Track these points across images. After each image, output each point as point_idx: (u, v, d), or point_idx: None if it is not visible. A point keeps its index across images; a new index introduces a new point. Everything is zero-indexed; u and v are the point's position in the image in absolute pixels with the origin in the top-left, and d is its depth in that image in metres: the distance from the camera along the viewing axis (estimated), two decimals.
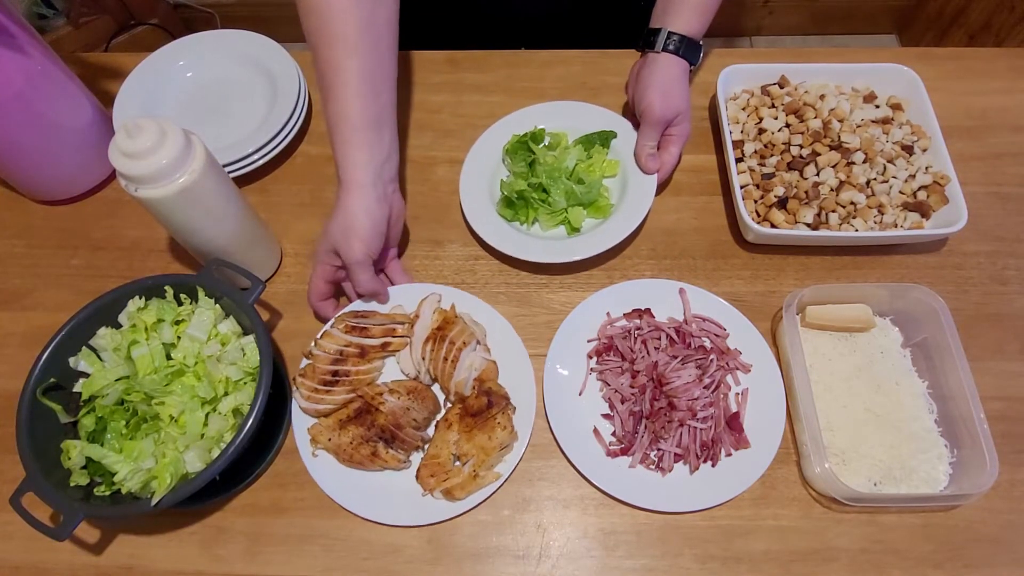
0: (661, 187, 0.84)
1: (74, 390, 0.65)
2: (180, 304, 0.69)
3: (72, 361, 0.65)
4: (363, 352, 0.70)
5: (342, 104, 0.66)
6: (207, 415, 0.63)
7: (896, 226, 0.76)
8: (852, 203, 0.76)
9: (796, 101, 0.83)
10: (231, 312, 0.68)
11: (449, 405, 0.70)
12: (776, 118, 0.83)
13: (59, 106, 0.78)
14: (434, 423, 0.70)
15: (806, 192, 0.77)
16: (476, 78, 0.94)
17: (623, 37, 1.04)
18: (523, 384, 0.70)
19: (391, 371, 0.73)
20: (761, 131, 0.83)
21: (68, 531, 0.57)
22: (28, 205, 0.86)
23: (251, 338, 0.66)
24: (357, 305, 0.74)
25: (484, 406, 0.66)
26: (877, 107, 0.84)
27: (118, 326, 0.68)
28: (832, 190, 0.77)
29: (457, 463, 0.66)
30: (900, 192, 0.78)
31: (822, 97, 0.84)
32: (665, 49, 0.77)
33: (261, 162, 0.84)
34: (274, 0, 2.15)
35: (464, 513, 0.65)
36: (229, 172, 0.81)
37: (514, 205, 0.79)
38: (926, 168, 0.79)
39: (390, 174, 0.71)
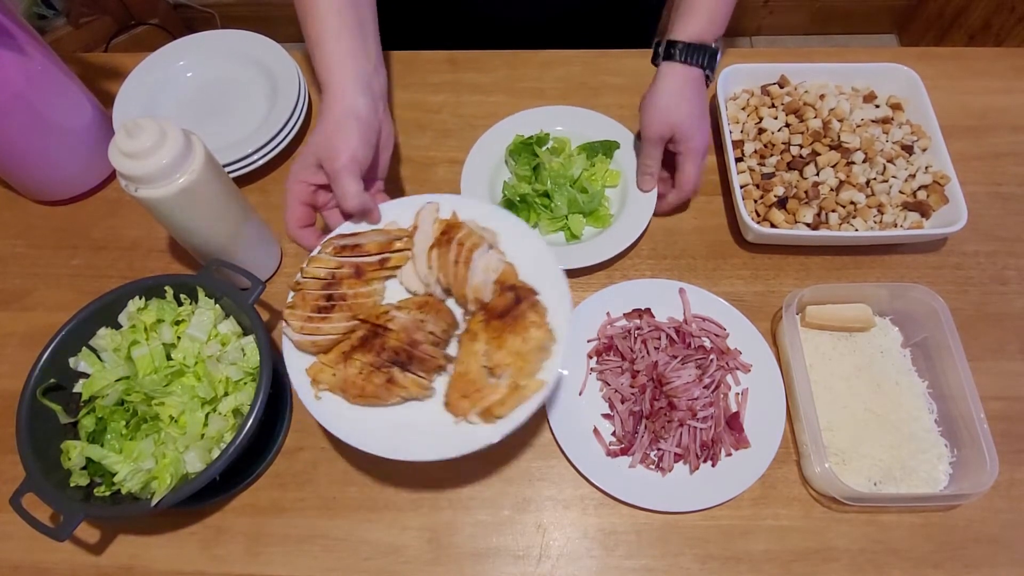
0: (679, 209, 0.82)
1: (74, 390, 0.65)
2: (180, 304, 0.69)
3: (72, 361, 0.65)
4: (359, 272, 0.62)
5: (322, 16, 0.63)
6: (207, 415, 0.63)
7: (896, 226, 0.76)
8: (852, 203, 0.76)
9: (796, 101, 0.83)
10: (231, 312, 0.68)
11: (470, 317, 0.61)
12: (776, 118, 0.83)
13: (59, 106, 0.78)
14: (455, 339, 0.61)
15: (806, 192, 0.77)
16: (476, 78, 0.94)
17: (623, 37, 1.04)
18: (549, 283, 0.60)
19: (393, 295, 0.65)
20: (761, 131, 0.83)
21: (68, 531, 0.57)
22: (28, 205, 0.86)
23: (251, 338, 0.66)
24: (345, 228, 0.65)
25: (511, 303, 0.57)
26: (877, 107, 0.84)
27: (118, 326, 0.68)
28: (832, 190, 0.77)
29: (491, 379, 0.57)
30: (900, 192, 0.78)
31: (822, 97, 0.84)
32: (667, 58, 0.73)
33: (261, 162, 0.84)
34: (274, 0, 2.16)
35: (509, 435, 0.55)
36: (229, 172, 0.81)
37: (516, 207, 0.79)
38: (926, 168, 0.79)
39: (379, 89, 0.65)
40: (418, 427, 0.57)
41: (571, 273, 0.79)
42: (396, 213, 0.65)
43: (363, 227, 0.65)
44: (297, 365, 0.60)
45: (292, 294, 0.62)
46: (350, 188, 0.60)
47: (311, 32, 0.63)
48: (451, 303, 0.63)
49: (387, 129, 0.66)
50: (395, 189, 0.86)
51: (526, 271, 0.61)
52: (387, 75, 0.67)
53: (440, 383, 0.59)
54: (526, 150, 0.83)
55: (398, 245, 0.63)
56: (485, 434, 0.55)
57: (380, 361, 0.57)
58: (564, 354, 0.57)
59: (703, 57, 0.72)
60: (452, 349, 0.61)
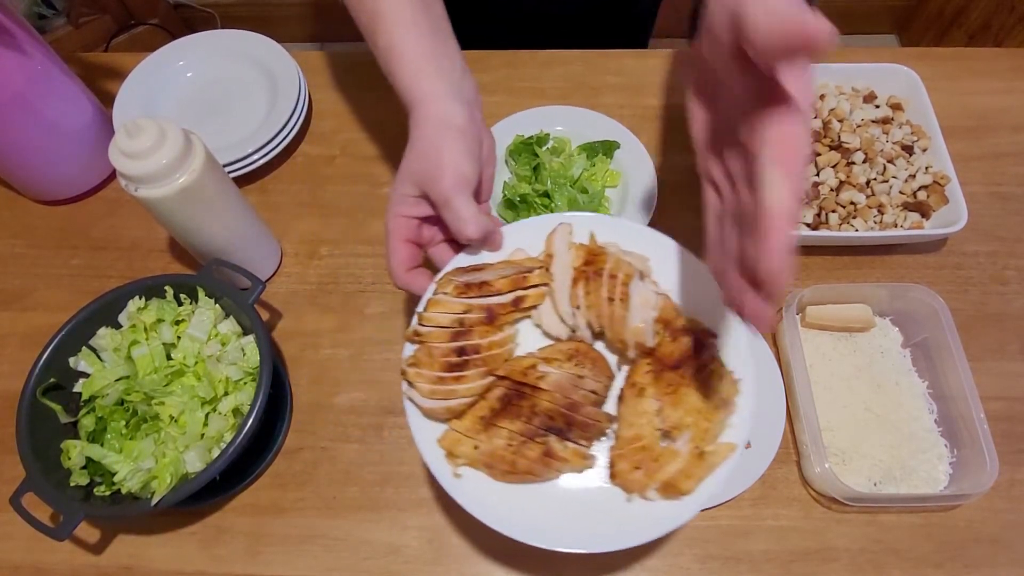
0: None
1: (74, 390, 0.65)
2: (180, 304, 0.69)
3: (72, 361, 0.65)
4: (491, 316, 0.51)
5: (394, 20, 0.54)
6: (207, 415, 0.63)
7: (896, 226, 0.76)
8: (852, 203, 0.76)
9: None
10: (231, 312, 0.68)
11: (629, 366, 0.51)
12: None
13: (59, 106, 0.78)
14: (613, 395, 0.51)
15: (806, 192, 0.77)
16: (476, 78, 0.94)
17: (623, 37, 1.04)
18: (719, 319, 0.50)
19: (527, 339, 0.53)
20: None
21: (68, 531, 0.57)
22: (28, 205, 0.86)
23: (251, 338, 0.66)
24: (461, 260, 0.55)
25: (689, 350, 0.47)
26: (877, 107, 0.84)
27: (118, 326, 0.68)
28: (832, 190, 0.77)
29: (665, 442, 0.48)
30: (900, 192, 0.78)
31: (822, 97, 0.84)
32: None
33: (261, 162, 0.84)
34: (274, 0, 2.16)
35: (709, 510, 0.49)
36: (229, 172, 0.81)
37: (516, 207, 0.79)
38: (926, 168, 0.79)
39: (471, 94, 0.56)
40: (583, 506, 0.47)
41: None
42: (520, 238, 0.54)
43: (483, 256, 0.54)
44: (426, 435, 0.49)
45: (409, 347, 0.51)
46: (466, 211, 0.50)
47: (382, 40, 0.55)
48: (599, 348, 0.52)
49: (488, 141, 0.57)
50: None
51: (686, 304, 0.51)
52: (474, 80, 0.58)
53: (599, 449, 0.49)
54: (526, 150, 0.83)
55: (533, 280, 0.52)
56: (670, 514, 0.45)
57: (532, 429, 0.47)
58: (752, 409, 0.47)
59: None
60: (609, 406, 0.50)
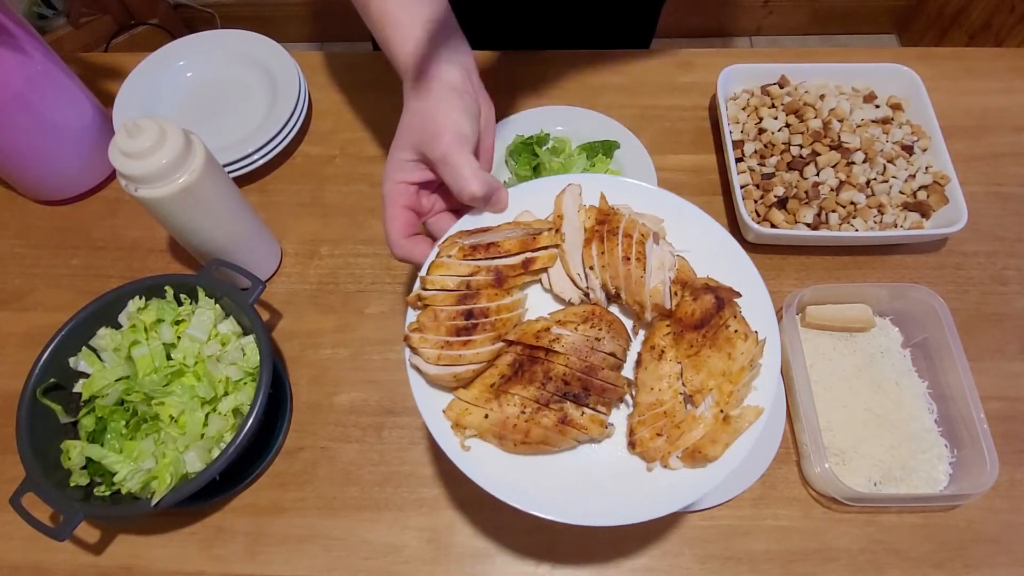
0: None
1: (74, 390, 0.65)
2: (180, 304, 0.69)
3: (72, 361, 0.65)
4: (499, 278, 0.48)
5: None
6: (207, 415, 0.63)
7: (896, 226, 0.76)
8: (852, 203, 0.76)
9: (796, 101, 0.83)
10: (231, 312, 0.68)
11: (647, 329, 0.49)
12: (776, 118, 0.83)
13: (59, 106, 0.78)
14: (631, 361, 0.49)
15: (806, 192, 0.77)
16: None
17: (623, 37, 1.04)
18: (740, 282, 0.48)
19: (537, 305, 0.51)
20: (761, 131, 0.83)
21: (68, 531, 0.57)
22: (28, 205, 0.86)
23: (251, 338, 0.66)
24: (466, 223, 0.52)
25: (712, 310, 0.45)
26: (877, 107, 0.84)
27: (118, 326, 0.68)
28: (832, 190, 0.77)
29: (688, 407, 0.46)
30: (900, 192, 0.78)
31: (822, 97, 0.84)
32: None
33: (261, 162, 0.84)
34: (274, 0, 2.16)
35: (723, 483, 0.44)
36: (229, 172, 0.81)
37: None
38: (926, 168, 0.79)
39: (468, 60, 0.54)
40: (601, 478, 0.45)
41: None
42: (526, 200, 0.52)
43: (487, 220, 0.51)
44: (431, 406, 0.46)
45: (412, 313, 0.48)
46: (466, 168, 0.47)
47: (375, 7, 0.53)
48: (615, 312, 0.50)
49: (487, 107, 0.55)
50: None
51: (703, 267, 0.49)
52: (469, 48, 0.56)
53: (617, 418, 0.47)
54: (526, 150, 0.83)
55: (543, 241, 0.49)
56: (694, 482, 0.43)
57: (547, 395, 0.44)
58: (776, 371, 0.45)
59: None
60: (626, 371, 0.48)
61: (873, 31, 2.32)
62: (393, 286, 0.79)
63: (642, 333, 0.50)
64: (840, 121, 0.81)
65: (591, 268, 0.49)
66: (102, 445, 0.62)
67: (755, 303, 0.48)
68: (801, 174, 0.79)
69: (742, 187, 0.78)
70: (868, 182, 0.78)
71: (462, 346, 0.46)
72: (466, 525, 0.66)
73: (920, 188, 0.78)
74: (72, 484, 0.60)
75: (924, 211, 0.76)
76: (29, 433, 0.61)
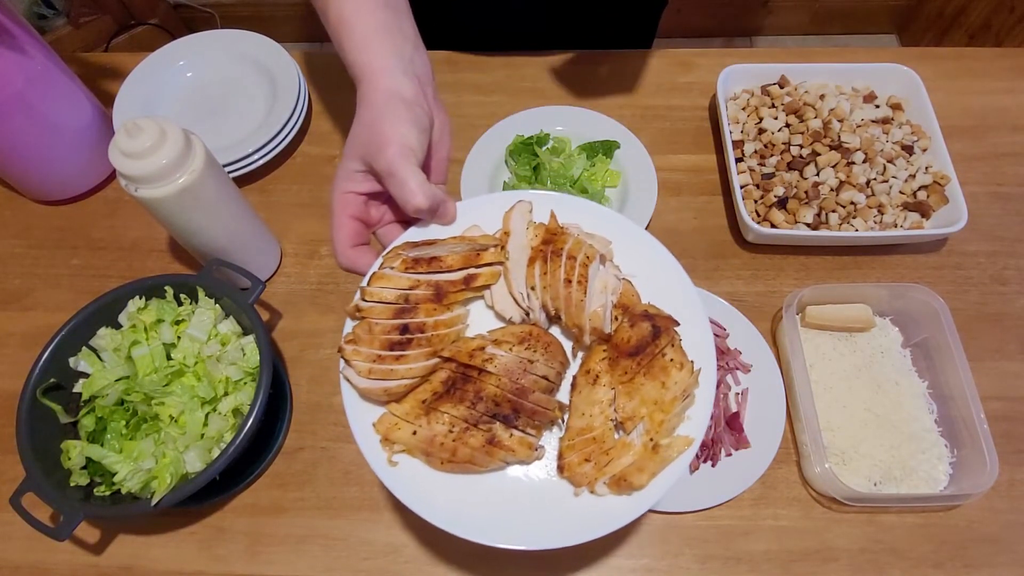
0: None
1: (74, 390, 0.65)
2: (180, 304, 0.69)
3: (72, 361, 0.65)
4: (439, 293, 0.48)
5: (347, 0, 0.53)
6: (207, 415, 0.63)
7: (896, 226, 0.76)
8: (852, 203, 0.76)
9: (796, 101, 0.83)
10: (231, 312, 0.68)
11: (584, 352, 0.49)
12: (776, 118, 0.83)
13: (59, 106, 0.78)
14: (566, 383, 0.49)
15: (806, 192, 0.77)
16: (476, 78, 0.94)
17: (623, 37, 1.04)
18: (681, 307, 0.47)
19: (479, 321, 0.50)
20: (761, 131, 0.83)
21: (68, 531, 0.57)
22: (28, 205, 0.86)
23: (251, 338, 0.66)
24: (412, 234, 0.52)
25: (648, 337, 0.45)
26: (877, 107, 0.84)
27: (118, 326, 0.68)
28: (832, 190, 0.77)
29: (619, 435, 0.46)
30: (900, 192, 0.78)
31: (822, 97, 0.84)
32: None
33: (261, 162, 0.84)
34: (274, 0, 2.16)
35: (648, 513, 0.47)
36: (229, 172, 0.81)
37: None
38: (926, 168, 0.79)
39: (423, 71, 0.54)
40: (527, 500, 0.44)
41: None
42: (477, 214, 0.51)
43: (435, 232, 0.51)
44: (361, 418, 0.46)
45: (350, 323, 0.48)
46: (411, 180, 0.47)
47: (333, 13, 0.53)
48: (555, 332, 0.50)
49: (441, 119, 0.54)
50: None
51: (647, 290, 0.48)
52: (427, 56, 0.56)
53: (549, 440, 0.46)
54: (526, 150, 0.83)
55: (487, 258, 0.49)
56: (620, 511, 0.43)
57: (476, 415, 0.44)
58: (711, 401, 0.45)
59: None
60: (562, 395, 0.48)
61: (873, 31, 2.32)
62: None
63: (581, 356, 0.50)
64: (840, 121, 0.81)
65: (532, 288, 0.48)
66: (102, 445, 0.62)
67: (695, 332, 0.47)
68: (801, 174, 0.79)
69: (742, 187, 0.78)
70: (868, 182, 0.78)
71: (394, 361, 0.45)
72: None
73: (920, 188, 0.78)
74: (72, 484, 0.60)
75: (924, 211, 0.76)
76: (29, 433, 0.60)
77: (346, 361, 0.46)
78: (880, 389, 0.69)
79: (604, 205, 0.80)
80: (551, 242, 0.48)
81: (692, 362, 0.46)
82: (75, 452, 0.61)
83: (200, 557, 0.65)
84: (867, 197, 0.77)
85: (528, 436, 0.45)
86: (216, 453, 0.61)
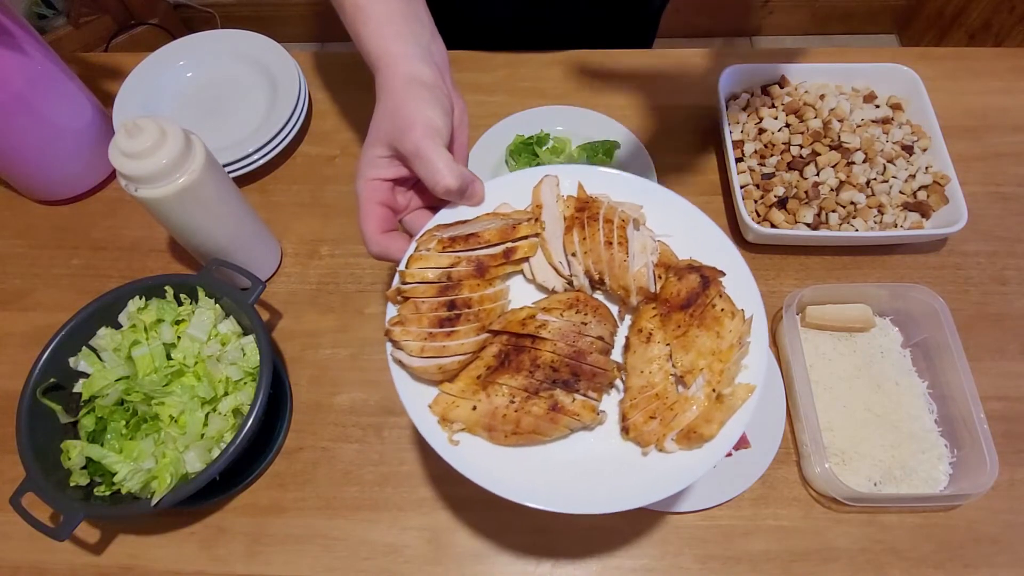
0: None
1: (74, 390, 0.65)
2: (180, 304, 0.69)
3: (72, 361, 0.65)
4: (480, 268, 0.48)
5: None
6: (207, 415, 0.63)
7: (896, 226, 0.76)
8: (852, 203, 0.76)
9: (796, 101, 0.83)
10: (231, 312, 0.68)
11: (633, 315, 0.49)
12: (776, 118, 0.83)
13: (59, 106, 0.78)
14: (619, 347, 0.48)
15: (806, 192, 0.77)
16: (477, 78, 0.94)
17: (624, 37, 1.04)
18: (723, 259, 0.48)
19: (519, 296, 0.50)
20: (761, 131, 0.83)
21: (68, 531, 0.57)
22: (28, 205, 0.86)
23: (251, 338, 0.66)
24: (444, 216, 0.51)
25: (697, 289, 0.45)
26: (877, 107, 0.84)
27: (118, 326, 0.68)
28: (832, 190, 0.77)
29: (680, 389, 0.45)
30: (900, 192, 0.78)
31: (822, 97, 0.84)
32: None
33: (261, 162, 0.84)
34: (274, 0, 2.16)
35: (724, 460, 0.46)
36: (229, 172, 0.81)
37: None
38: (926, 168, 0.79)
39: (441, 59, 0.54)
40: (596, 466, 0.44)
41: None
42: (504, 193, 0.52)
43: (464, 213, 0.51)
44: (416, 401, 0.45)
45: (392, 308, 0.47)
46: (439, 160, 0.47)
47: (349, 6, 0.53)
48: (599, 298, 0.50)
49: (460, 105, 0.54)
50: None
51: (684, 250, 0.49)
52: (443, 45, 0.56)
53: (608, 405, 0.46)
54: (526, 150, 0.83)
55: (523, 231, 0.49)
56: (692, 463, 0.43)
57: (536, 383, 0.43)
58: (765, 349, 0.45)
59: None
60: (615, 358, 0.48)
61: (873, 31, 2.32)
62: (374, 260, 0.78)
63: (628, 318, 0.50)
64: (840, 121, 0.81)
65: (573, 255, 0.48)
66: (102, 445, 0.62)
67: (739, 282, 0.48)
68: (801, 174, 0.79)
69: (742, 187, 0.78)
70: (868, 182, 0.78)
71: (446, 337, 0.45)
72: (466, 525, 0.65)
73: (920, 188, 0.78)
74: (72, 484, 0.60)
75: (924, 211, 0.76)
76: (29, 433, 0.60)
77: (395, 344, 0.45)
78: (880, 389, 0.69)
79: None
80: (585, 209, 0.48)
81: (742, 310, 0.46)
82: (75, 452, 0.61)
83: (200, 557, 0.65)
84: (867, 197, 0.77)
85: (590, 399, 0.44)
86: (216, 453, 0.61)
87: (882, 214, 0.76)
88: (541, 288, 0.50)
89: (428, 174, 0.48)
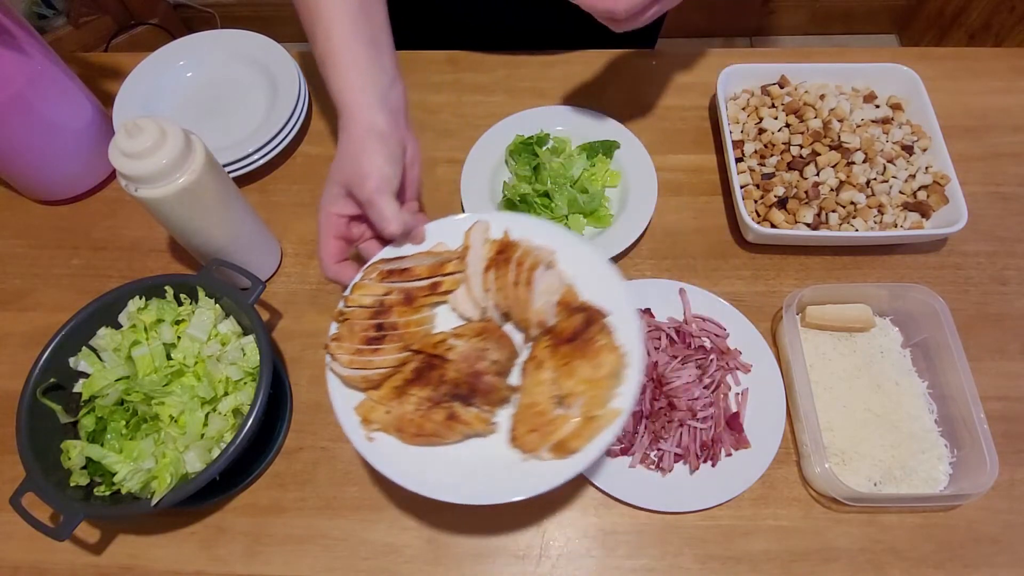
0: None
1: (74, 390, 0.65)
2: (180, 304, 0.69)
3: (72, 361, 0.65)
4: (409, 298, 0.57)
5: (331, 30, 0.60)
6: (207, 415, 0.63)
7: (896, 226, 0.76)
8: (852, 203, 0.76)
9: (796, 101, 0.83)
10: (231, 312, 0.68)
11: (531, 345, 0.57)
12: (776, 118, 0.83)
13: (59, 106, 0.78)
14: (517, 369, 0.57)
15: (806, 192, 0.77)
16: (476, 78, 0.94)
17: (623, 37, 1.04)
18: (615, 304, 0.56)
19: (444, 322, 0.60)
20: (761, 131, 0.83)
21: (68, 531, 0.57)
22: (28, 205, 0.86)
23: (251, 338, 0.66)
24: (388, 252, 0.61)
25: (581, 326, 0.53)
26: (877, 107, 0.84)
27: (118, 326, 0.68)
28: (832, 190, 0.77)
29: (559, 409, 0.53)
30: (900, 192, 0.78)
31: (822, 97, 0.84)
32: None
33: (261, 162, 0.84)
34: (274, 0, 2.16)
35: (586, 469, 0.53)
36: (229, 172, 0.81)
37: (516, 207, 0.79)
38: (926, 168, 0.79)
39: (397, 103, 0.61)
40: (483, 466, 0.53)
41: None
42: (442, 234, 0.62)
43: (407, 250, 0.61)
44: (345, 404, 0.55)
45: (335, 325, 0.57)
46: (387, 210, 0.56)
47: (320, 47, 0.60)
48: (508, 329, 0.59)
49: (412, 145, 0.63)
50: None
51: (587, 290, 0.57)
52: (404, 88, 0.64)
53: (503, 417, 0.54)
54: (526, 150, 0.83)
55: (450, 268, 0.58)
56: (559, 470, 0.51)
57: (439, 395, 0.52)
58: (638, 380, 0.53)
59: None
60: (514, 379, 0.57)
61: (873, 31, 2.32)
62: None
63: (530, 346, 0.58)
64: (840, 121, 0.81)
65: (488, 291, 0.57)
66: (102, 445, 0.62)
67: (625, 323, 0.55)
68: (801, 174, 0.79)
69: (742, 187, 0.78)
70: (868, 182, 0.78)
71: (372, 353, 0.54)
72: (466, 525, 0.65)
73: (920, 188, 0.78)
74: (72, 484, 0.60)
75: (924, 211, 0.76)
76: (29, 433, 0.60)
77: (332, 356, 0.55)
78: (880, 389, 0.69)
79: (604, 206, 0.80)
80: (504, 252, 0.58)
81: (620, 346, 0.54)
82: (75, 452, 0.61)
83: (200, 557, 0.65)
84: (867, 197, 0.77)
85: (483, 412, 0.53)
86: (216, 453, 0.61)
87: (882, 214, 0.76)
88: (462, 317, 0.59)
89: (378, 221, 0.57)
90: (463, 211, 0.81)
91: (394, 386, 0.54)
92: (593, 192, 0.79)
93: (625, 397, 0.53)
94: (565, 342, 0.53)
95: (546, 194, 0.79)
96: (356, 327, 0.55)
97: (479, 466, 0.53)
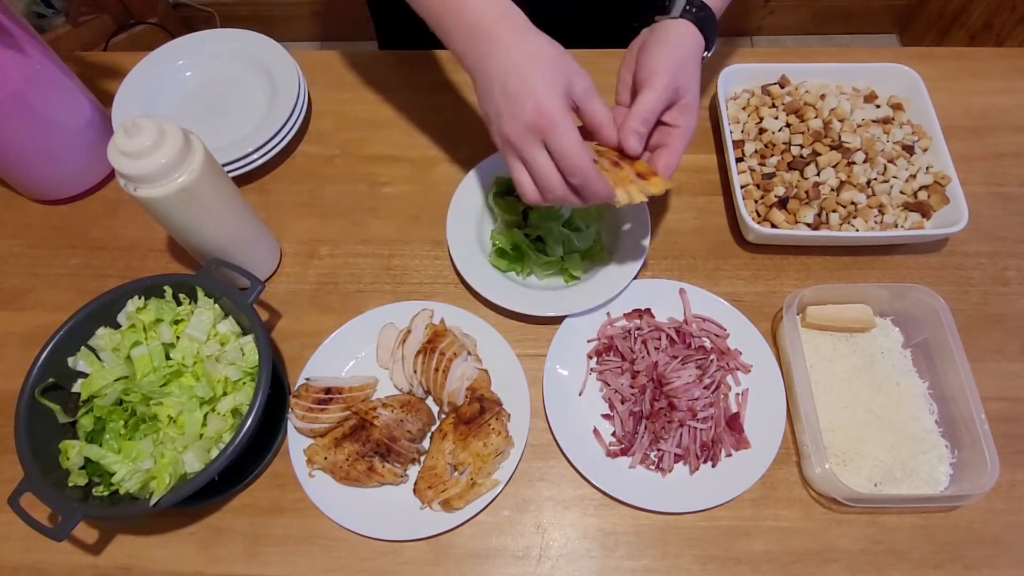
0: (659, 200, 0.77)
1: (73, 390, 0.65)
2: (179, 304, 0.69)
3: (71, 361, 0.65)
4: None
5: None
6: (206, 415, 0.63)
7: (896, 226, 0.76)
8: (852, 203, 0.76)
9: (796, 101, 0.83)
10: (230, 312, 0.68)
11: (444, 417, 0.70)
12: (776, 118, 0.83)
13: (58, 106, 0.78)
14: (429, 435, 0.70)
15: (806, 192, 0.77)
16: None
17: (623, 37, 1.04)
18: (516, 391, 0.70)
19: (385, 387, 0.73)
20: (761, 131, 0.83)
21: (66, 531, 0.57)
22: (27, 205, 0.86)
23: (250, 338, 0.66)
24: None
25: (476, 412, 0.66)
26: (878, 107, 0.84)
27: (117, 326, 0.68)
28: (832, 190, 0.77)
29: (455, 473, 0.66)
30: (901, 192, 0.78)
31: (822, 97, 0.84)
32: (684, 15, 0.65)
33: (261, 162, 0.83)
34: (274, 0, 2.16)
35: (462, 524, 0.65)
36: (229, 172, 0.81)
37: (508, 256, 0.76)
38: (927, 168, 0.79)
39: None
40: (392, 509, 0.66)
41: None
42: (392, 316, 0.74)
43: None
44: (298, 445, 0.68)
45: (299, 383, 0.70)
46: (603, 107, 0.60)
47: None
48: (430, 401, 0.72)
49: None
50: (396, 187, 0.86)
51: (499, 376, 0.71)
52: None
53: (413, 471, 0.68)
54: (510, 193, 0.77)
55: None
56: (443, 521, 0.64)
57: (364, 451, 0.65)
58: (519, 458, 0.67)
59: (711, 29, 0.67)
60: (427, 442, 0.70)
61: (874, 31, 2.32)
62: (392, 286, 0.79)
63: (442, 418, 0.71)
64: (841, 121, 0.81)
65: (415, 372, 0.70)
66: (100, 445, 0.62)
67: (518, 411, 0.69)
68: (801, 174, 0.79)
69: (742, 187, 0.78)
70: (869, 182, 0.78)
71: (320, 412, 0.67)
72: (466, 525, 0.65)
73: (921, 188, 0.78)
74: (70, 484, 0.60)
75: (925, 211, 0.76)
76: (28, 433, 0.60)
77: (291, 409, 0.68)
78: (881, 389, 0.69)
79: (598, 243, 0.77)
80: (434, 340, 0.70)
81: (508, 431, 0.67)
82: (73, 452, 0.61)
83: (199, 557, 0.65)
84: (868, 197, 0.77)
85: (395, 468, 0.66)
86: (215, 453, 0.61)
87: (883, 214, 0.76)
88: (396, 387, 0.72)
89: (595, 120, 0.61)
90: (452, 261, 0.78)
91: (334, 438, 0.67)
92: (586, 229, 0.75)
93: (505, 470, 0.66)
94: (463, 423, 0.66)
95: (539, 238, 0.75)
96: (311, 388, 0.68)
97: (387, 509, 0.66)
